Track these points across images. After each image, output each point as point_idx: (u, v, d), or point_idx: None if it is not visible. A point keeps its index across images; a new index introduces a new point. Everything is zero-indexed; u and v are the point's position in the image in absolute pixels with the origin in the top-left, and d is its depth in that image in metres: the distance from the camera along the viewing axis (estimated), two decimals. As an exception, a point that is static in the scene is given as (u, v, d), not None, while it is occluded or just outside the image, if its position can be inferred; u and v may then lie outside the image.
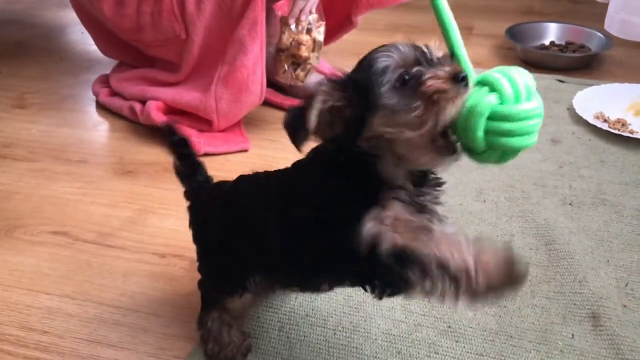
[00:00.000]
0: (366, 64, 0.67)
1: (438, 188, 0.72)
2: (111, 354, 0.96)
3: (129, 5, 1.51)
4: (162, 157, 1.48)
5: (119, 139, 1.60)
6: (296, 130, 0.65)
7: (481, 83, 0.65)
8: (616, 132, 1.50)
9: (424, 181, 0.71)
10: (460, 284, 0.62)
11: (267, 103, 1.65)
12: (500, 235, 1.18)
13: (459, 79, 0.63)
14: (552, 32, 2.09)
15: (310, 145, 0.70)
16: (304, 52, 1.50)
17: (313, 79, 1.61)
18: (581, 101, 1.62)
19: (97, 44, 1.81)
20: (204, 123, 1.53)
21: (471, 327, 0.98)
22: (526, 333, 0.97)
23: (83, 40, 2.19)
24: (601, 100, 1.63)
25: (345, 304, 1.01)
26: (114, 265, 1.15)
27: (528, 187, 1.32)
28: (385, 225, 0.65)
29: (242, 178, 0.88)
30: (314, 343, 0.96)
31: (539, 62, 1.93)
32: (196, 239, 0.92)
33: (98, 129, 1.68)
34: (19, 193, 1.38)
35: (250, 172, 0.88)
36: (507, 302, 1.02)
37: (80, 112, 1.76)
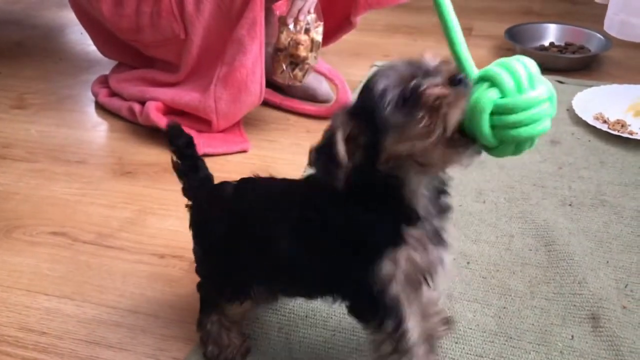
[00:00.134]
0: (367, 89, 0.68)
1: (446, 213, 0.75)
2: (110, 355, 0.96)
3: (127, 6, 1.51)
4: (161, 157, 1.48)
5: (118, 139, 1.60)
6: (331, 172, 0.67)
7: (482, 79, 0.65)
8: (616, 133, 1.50)
9: (439, 201, 0.74)
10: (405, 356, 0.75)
11: (265, 103, 1.65)
12: (500, 236, 1.18)
13: (456, 82, 0.64)
14: (551, 33, 2.10)
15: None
16: (302, 52, 1.49)
17: (310, 79, 1.62)
18: (581, 102, 1.62)
19: (96, 44, 1.80)
20: (203, 123, 1.53)
21: (470, 328, 0.98)
22: (526, 334, 0.97)
23: (82, 40, 2.18)
24: (601, 101, 1.64)
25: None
26: (113, 266, 1.15)
27: (527, 188, 1.32)
28: (399, 268, 0.71)
29: (247, 181, 0.87)
30: (314, 344, 0.96)
31: (538, 63, 1.91)
32: (197, 238, 0.91)
33: (97, 130, 1.68)
34: (18, 193, 1.38)
35: (253, 175, 0.88)
36: (506, 303, 1.02)
37: (79, 113, 1.76)
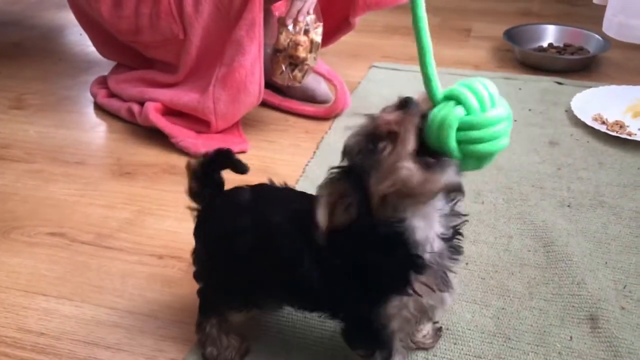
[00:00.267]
0: (343, 153, 0.73)
1: (456, 256, 0.78)
2: (108, 355, 0.96)
3: (127, 7, 1.51)
4: (160, 158, 1.48)
5: (117, 140, 1.60)
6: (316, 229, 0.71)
7: (448, 97, 0.68)
8: (614, 134, 1.50)
9: (452, 238, 0.77)
10: None
11: (264, 104, 1.65)
12: (498, 236, 1.18)
13: (403, 104, 0.69)
14: (550, 34, 2.10)
15: None
16: (302, 52, 1.50)
17: (309, 79, 1.62)
18: (579, 103, 1.62)
19: (95, 45, 1.80)
20: (202, 124, 1.53)
21: (469, 329, 0.98)
22: (524, 335, 0.97)
23: (81, 41, 2.18)
24: (599, 102, 1.64)
25: (343, 306, 1.01)
26: (112, 266, 1.15)
27: (526, 189, 1.33)
28: (403, 311, 0.76)
29: (265, 191, 0.87)
30: (313, 346, 0.96)
31: (537, 64, 1.93)
32: (207, 249, 0.88)
33: (96, 131, 1.68)
34: (17, 194, 1.37)
35: (268, 181, 0.88)
36: (505, 304, 1.02)
37: (78, 114, 1.76)
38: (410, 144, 0.67)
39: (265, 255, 0.82)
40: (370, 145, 0.69)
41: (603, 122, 1.57)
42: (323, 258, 0.77)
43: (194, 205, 0.90)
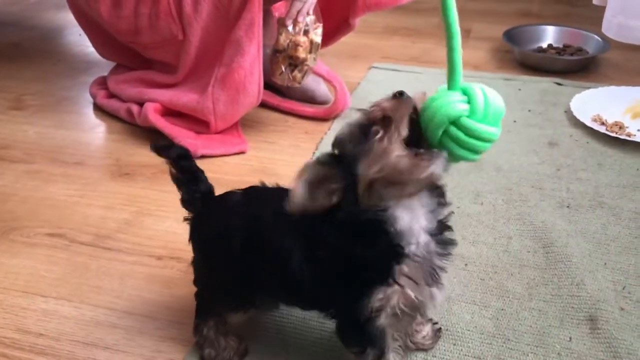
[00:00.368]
0: (337, 142, 0.74)
1: (448, 250, 0.77)
2: (107, 356, 0.96)
3: (126, 7, 1.51)
4: (159, 159, 1.47)
5: (116, 141, 1.60)
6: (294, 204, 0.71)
7: (462, 91, 0.69)
8: (613, 135, 1.50)
9: (440, 232, 0.77)
10: None
11: (264, 105, 1.65)
12: (498, 237, 1.18)
13: (397, 95, 0.70)
14: (549, 35, 2.10)
15: None
16: (301, 53, 1.49)
17: (309, 80, 1.62)
18: (579, 104, 1.62)
19: (94, 45, 1.80)
20: (201, 125, 1.53)
21: (469, 330, 0.98)
22: (523, 336, 0.97)
23: (80, 42, 2.18)
24: (599, 103, 1.64)
25: (342, 307, 1.01)
26: (111, 267, 1.15)
27: (525, 189, 1.33)
28: (389, 304, 0.75)
29: (257, 193, 0.87)
30: (311, 346, 0.96)
31: (536, 64, 1.93)
32: (203, 252, 0.89)
33: (95, 131, 1.68)
34: (16, 195, 1.37)
35: (260, 183, 0.88)
36: (504, 304, 1.02)
37: (77, 114, 1.76)
38: (403, 129, 0.68)
39: (257, 254, 0.82)
40: (361, 135, 0.70)
41: (602, 123, 1.57)
42: (311, 252, 0.77)
43: (188, 215, 0.91)
